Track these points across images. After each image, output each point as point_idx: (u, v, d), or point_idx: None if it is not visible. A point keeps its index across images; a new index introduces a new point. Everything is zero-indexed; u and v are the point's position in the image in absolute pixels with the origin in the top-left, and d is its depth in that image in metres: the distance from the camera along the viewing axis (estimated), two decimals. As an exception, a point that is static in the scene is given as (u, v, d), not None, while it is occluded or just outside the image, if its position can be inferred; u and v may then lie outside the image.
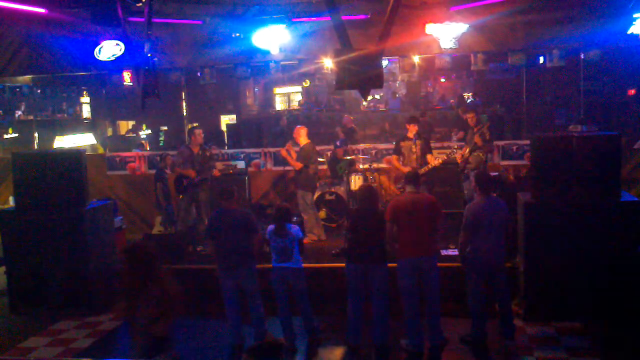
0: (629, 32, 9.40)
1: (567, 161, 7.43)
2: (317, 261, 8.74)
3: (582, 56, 11.87)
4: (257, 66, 11.60)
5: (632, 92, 15.21)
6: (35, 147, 14.47)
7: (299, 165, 10.10)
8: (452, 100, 20.53)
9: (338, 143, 11.59)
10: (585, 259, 7.34)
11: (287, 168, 11.11)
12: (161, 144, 17.33)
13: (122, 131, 20.03)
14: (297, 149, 10.45)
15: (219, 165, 11.25)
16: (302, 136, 10.28)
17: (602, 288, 7.33)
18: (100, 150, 15.29)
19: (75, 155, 8.82)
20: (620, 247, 7.32)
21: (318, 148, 12.50)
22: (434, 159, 9.77)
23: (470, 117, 10.21)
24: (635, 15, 9.29)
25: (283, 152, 10.47)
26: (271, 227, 7.18)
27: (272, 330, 7.34)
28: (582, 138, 7.60)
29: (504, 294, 6.99)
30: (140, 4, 8.45)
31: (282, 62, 11.57)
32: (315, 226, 10.26)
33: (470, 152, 9.91)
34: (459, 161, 10.15)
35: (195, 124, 12.90)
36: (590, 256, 7.33)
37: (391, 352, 6.93)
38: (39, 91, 16.12)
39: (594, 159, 7.40)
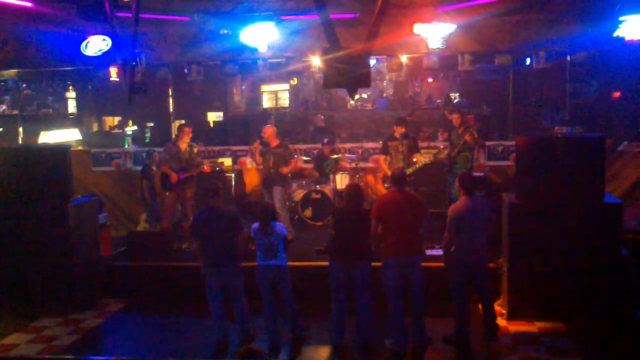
0: (615, 34, 9.45)
1: (552, 162, 7.48)
2: (300, 259, 8.73)
3: (568, 58, 11.94)
4: (244, 63, 11.58)
5: (618, 94, 15.29)
6: (20, 142, 14.34)
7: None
8: (438, 101, 20.56)
9: (325, 141, 11.59)
10: (569, 259, 7.40)
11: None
12: (147, 140, 17.23)
13: (107, 127, 19.88)
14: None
15: (206, 162, 11.22)
16: (274, 135, 10.24)
17: (585, 289, 7.40)
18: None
19: (60, 151, 8.76)
20: (603, 248, 7.39)
21: (305, 146, 12.53)
22: (422, 159, 9.79)
23: (455, 118, 10.24)
24: (621, 18, 9.35)
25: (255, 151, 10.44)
26: (256, 224, 7.17)
27: (256, 328, 7.34)
28: (567, 140, 7.66)
29: (487, 294, 7.04)
30: (128, -1, 8.40)
31: (270, 60, 11.55)
32: (289, 223, 10.29)
33: (458, 152, 9.94)
34: (445, 161, 10.18)
35: (182, 121, 12.84)
36: (573, 257, 7.39)
37: (375, 351, 6.95)
38: (24, 86, 15.97)
39: (578, 160, 7.46)
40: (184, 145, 10.26)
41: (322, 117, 15.35)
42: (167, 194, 10.31)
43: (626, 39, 9.40)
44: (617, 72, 13.65)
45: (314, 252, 8.99)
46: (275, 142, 10.17)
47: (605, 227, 7.39)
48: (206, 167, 10.77)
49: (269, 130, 10.29)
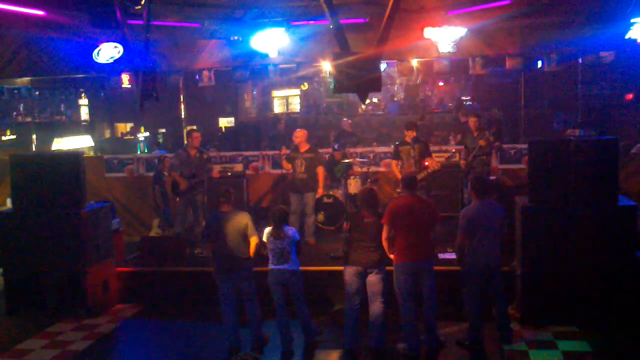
0: (627, 36, 9.41)
1: (564, 165, 7.44)
2: (314, 264, 8.74)
3: (580, 60, 11.89)
4: (255, 69, 11.60)
5: (630, 96, 15.22)
6: (34, 149, 14.46)
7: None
8: (450, 104, 20.53)
9: (336, 146, 11.59)
10: (583, 263, 7.34)
11: (284, 171, 11.07)
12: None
13: (120, 133, 20.04)
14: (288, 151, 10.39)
15: (217, 167, 11.24)
16: (305, 139, 10.21)
17: (599, 292, 7.34)
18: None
19: (73, 157, 8.82)
20: (617, 252, 7.34)
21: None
22: (434, 163, 9.75)
23: (473, 121, 10.21)
24: (632, 20, 9.31)
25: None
26: (268, 229, 7.18)
27: (269, 333, 7.34)
28: (579, 142, 7.62)
29: (501, 297, 7.00)
30: (139, 7, 8.45)
31: (280, 66, 11.56)
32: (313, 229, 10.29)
33: (474, 157, 9.90)
34: (462, 167, 10.13)
35: (193, 127, 12.91)
36: (587, 260, 7.34)
37: (388, 356, 6.93)
38: (37, 93, 16.09)
39: (591, 163, 7.41)
40: (193, 150, 10.30)
41: (350, 121, 15.28)
42: (177, 199, 10.36)
43: (638, 41, 9.36)
44: (629, 74, 13.61)
45: (329, 259, 9.00)
46: (305, 147, 10.15)
47: (619, 230, 7.34)
48: (215, 173, 10.78)
49: (300, 134, 10.25)
